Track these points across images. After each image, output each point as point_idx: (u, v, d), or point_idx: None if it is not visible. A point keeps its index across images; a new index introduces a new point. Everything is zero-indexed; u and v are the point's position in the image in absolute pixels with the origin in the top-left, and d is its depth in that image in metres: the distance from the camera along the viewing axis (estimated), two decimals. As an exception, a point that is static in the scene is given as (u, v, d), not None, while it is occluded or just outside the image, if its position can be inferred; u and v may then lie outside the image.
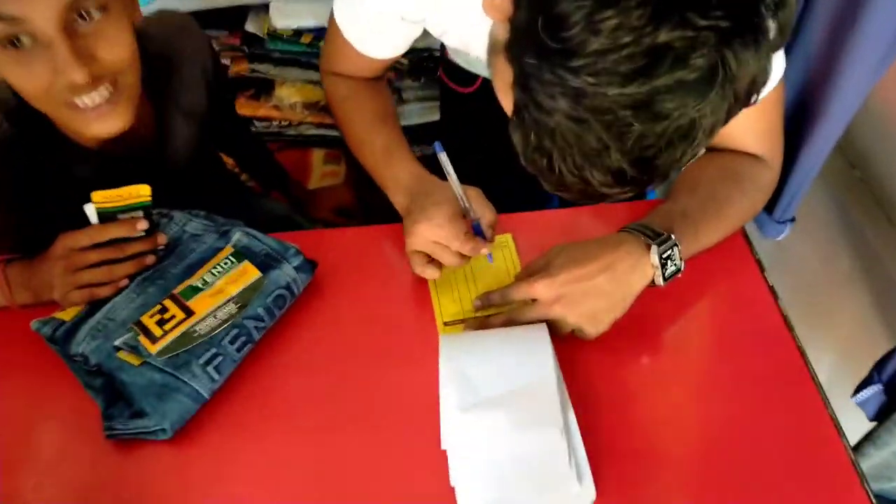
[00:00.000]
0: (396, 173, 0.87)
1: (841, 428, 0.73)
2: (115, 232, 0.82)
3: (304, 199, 1.38)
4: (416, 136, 1.63)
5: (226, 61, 1.48)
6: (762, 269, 0.85)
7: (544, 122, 0.53)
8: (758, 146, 0.85)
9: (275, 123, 1.52)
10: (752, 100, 0.55)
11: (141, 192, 0.83)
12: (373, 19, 0.85)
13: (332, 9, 0.89)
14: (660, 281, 0.79)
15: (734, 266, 0.87)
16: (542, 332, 0.74)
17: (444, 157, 0.79)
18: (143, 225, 0.83)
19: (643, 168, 0.53)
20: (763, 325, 0.81)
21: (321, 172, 1.54)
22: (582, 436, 0.70)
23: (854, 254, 1.05)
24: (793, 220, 1.02)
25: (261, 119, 1.52)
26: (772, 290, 0.83)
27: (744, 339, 0.80)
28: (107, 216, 0.83)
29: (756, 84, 0.53)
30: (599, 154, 0.52)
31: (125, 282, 0.82)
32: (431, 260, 0.83)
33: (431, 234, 0.80)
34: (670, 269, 0.79)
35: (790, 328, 0.80)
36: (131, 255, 0.82)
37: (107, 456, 0.73)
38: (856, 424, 0.87)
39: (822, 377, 0.78)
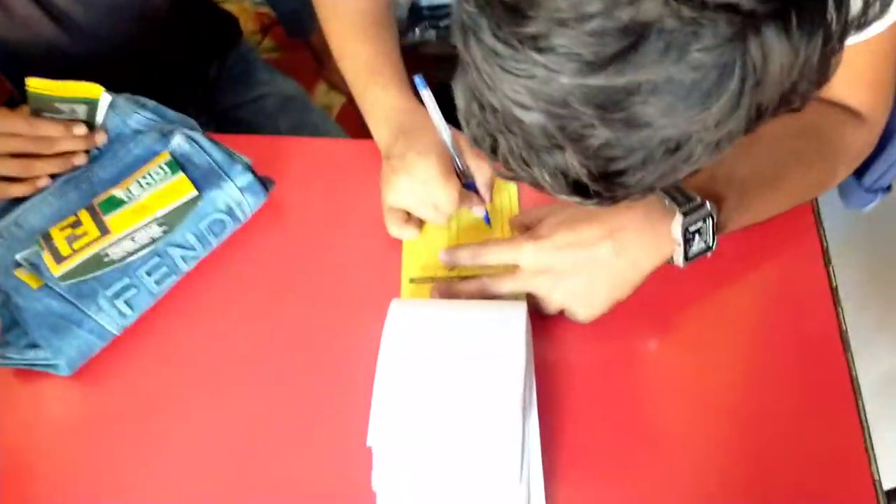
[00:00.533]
0: (377, 99, 0.69)
1: (878, 478, 0.57)
2: (46, 130, 0.69)
3: (319, 50, 1.21)
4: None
5: None
6: (827, 261, 0.66)
7: (486, 96, 0.38)
8: (856, 97, 0.63)
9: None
10: (796, 104, 0.37)
11: (90, 91, 0.69)
12: None
13: None
14: (679, 260, 0.62)
15: (789, 246, 0.67)
16: (517, 317, 0.58)
17: (427, 96, 0.61)
18: (80, 130, 0.69)
19: (609, 184, 0.38)
20: (810, 332, 0.62)
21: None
22: (547, 446, 0.56)
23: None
24: (888, 188, 0.80)
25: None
26: (834, 291, 0.64)
27: (782, 345, 0.62)
28: (42, 102, 0.69)
29: (801, 84, 0.36)
30: (550, 153, 0.38)
31: (46, 181, 0.69)
32: (410, 217, 0.68)
33: (413, 191, 0.65)
34: (697, 246, 0.61)
35: (845, 346, 0.61)
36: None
37: (1, 382, 0.64)
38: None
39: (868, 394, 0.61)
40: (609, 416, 0.59)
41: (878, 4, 0.37)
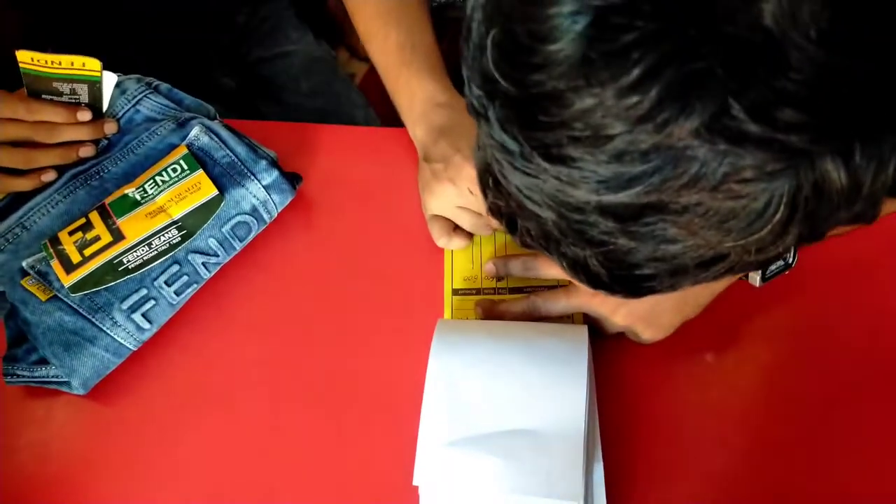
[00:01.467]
0: (412, 93, 0.62)
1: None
2: (46, 114, 0.62)
3: (338, 15, 1.13)
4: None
5: None
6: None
7: (499, 178, 0.34)
8: None
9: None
10: (867, 222, 0.32)
11: (88, 66, 0.62)
12: None
13: None
14: (756, 280, 0.56)
15: (874, 254, 0.61)
16: (579, 346, 0.52)
17: None
18: (85, 115, 0.63)
19: (634, 287, 0.34)
20: (891, 312, 0.57)
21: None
22: (613, 493, 0.51)
23: None
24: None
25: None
26: None
27: (858, 325, 0.57)
28: (39, 82, 0.62)
29: (869, 209, 0.30)
30: (569, 246, 0.34)
31: (51, 175, 0.63)
32: (457, 226, 0.61)
33: (459, 200, 0.58)
34: (775, 264, 0.55)
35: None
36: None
37: (10, 400, 0.59)
38: None
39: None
40: (684, 457, 0.54)
41: None
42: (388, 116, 0.69)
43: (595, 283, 0.36)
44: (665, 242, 0.31)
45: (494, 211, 0.38)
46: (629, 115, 0.27)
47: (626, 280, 0.34)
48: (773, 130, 0.26)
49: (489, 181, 0.36)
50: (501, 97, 0.30)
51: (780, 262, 0.56)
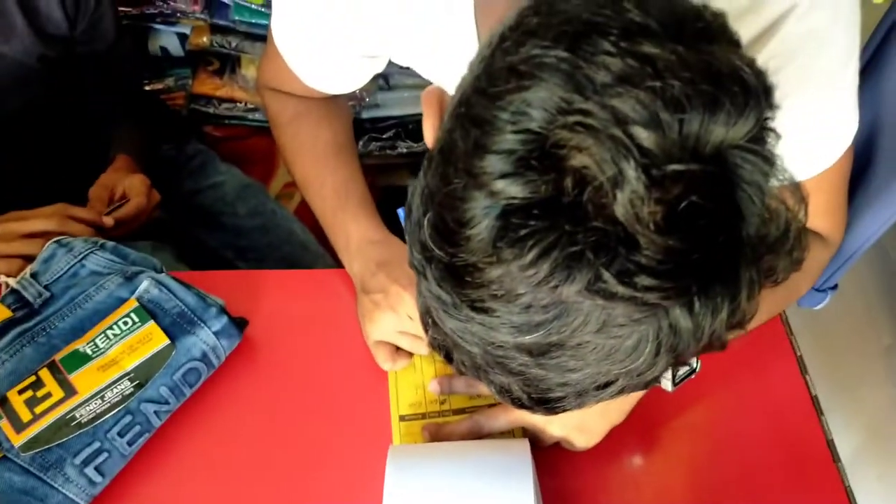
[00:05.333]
0: (349, 233, 0.69)
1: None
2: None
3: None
4: (407, 130, 1.44)
5: (185, 30, 1.28)
6: (803, 370, 0.69)
7: (435, 319, 0.41)
8: (818, 223, 0.67)
9: (239, 106, 1.32)
10: (718, 349, 0.40)
11: None
12: (319, 49, 0.66)
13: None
14: (668, 385, 0.62)
15: (765, 355, 0.70)
16: (522, 458, 0.57)
17: None
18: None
19: (549, 408, 0.42)
20: (786, 402, 0.66)
21: (287, 176, 1.32)
22: None
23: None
24: (835, 287, 0.85)
25: (222, 100, 1.32)
26: (800, 361, 0.68)
27: (762, 416, 0.66)
28: None
29: (716, 341, 0.38)
30: (495, 374, 0.41)
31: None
32: (398, 348, 0.67)
33: (399, 326, 0.65)
34: (682, 370, 0.63)
35: (818, 411, 0.65)
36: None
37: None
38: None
39: (844, 457, 0.65)
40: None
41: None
42: (320, 229, 0.75)
43: (518, 404, 0.42)
44: (568, 371, 0.38)
45: (434, 345, 0.44)
46: (530, 281, 0.34)
47: (541, 401, 0.41)
48: (633, 291, 0.33)
49: (429, 321, 0.42)
50: (436, 262, 0.38)
51: (687, 368, 0.63)
